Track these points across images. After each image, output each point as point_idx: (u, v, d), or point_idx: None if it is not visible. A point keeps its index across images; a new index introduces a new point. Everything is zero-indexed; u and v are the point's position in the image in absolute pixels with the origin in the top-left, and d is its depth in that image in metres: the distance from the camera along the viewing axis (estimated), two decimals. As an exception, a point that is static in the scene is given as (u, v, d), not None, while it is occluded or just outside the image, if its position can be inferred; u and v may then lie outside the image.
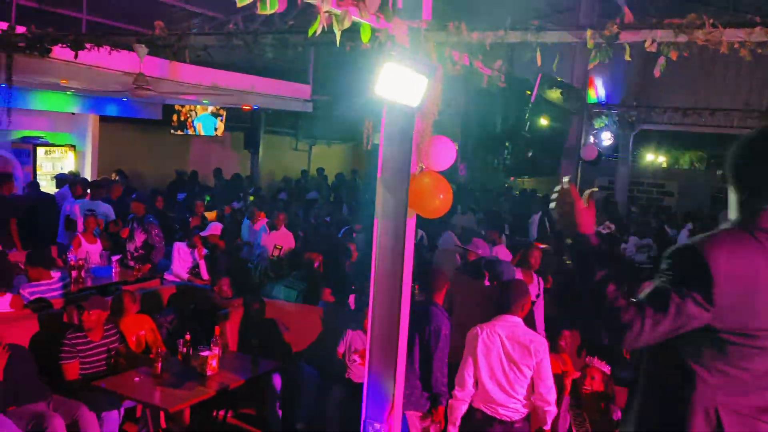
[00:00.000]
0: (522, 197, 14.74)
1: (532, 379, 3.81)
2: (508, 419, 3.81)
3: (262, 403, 5.21)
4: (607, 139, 7.76)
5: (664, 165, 17.78)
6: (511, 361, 3.77)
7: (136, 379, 4.48)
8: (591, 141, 7.99)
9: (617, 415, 4.13)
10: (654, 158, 17.42)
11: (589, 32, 3.11)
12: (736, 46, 2.84)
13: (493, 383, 3.79)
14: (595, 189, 2.21)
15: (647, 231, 9.50)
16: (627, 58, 3.06)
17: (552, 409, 3.81)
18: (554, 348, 4.94)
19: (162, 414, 4.57)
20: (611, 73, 10.11)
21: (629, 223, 9.87)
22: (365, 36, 3.22)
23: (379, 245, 3.76)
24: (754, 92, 9.61)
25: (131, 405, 4.70)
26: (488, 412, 3.82)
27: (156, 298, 6.11)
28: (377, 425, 3.72)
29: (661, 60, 3.02)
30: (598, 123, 8.12)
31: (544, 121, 5.72)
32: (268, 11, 2.58)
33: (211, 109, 13.69)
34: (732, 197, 1.90)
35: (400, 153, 3.69)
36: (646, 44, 2.98)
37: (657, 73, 3.06)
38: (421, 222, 8.86)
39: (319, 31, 2.99)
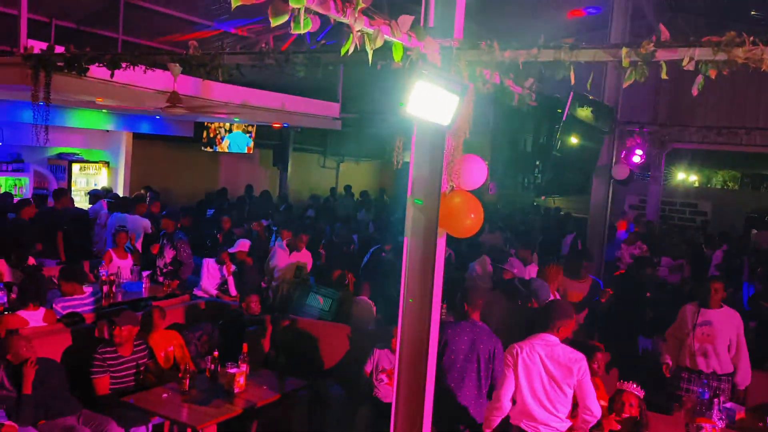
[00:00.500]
0: (547, 215, 14.62)
1: (573, 396, 3.80)
2: None
3: (290, 422, 5.18)
4: (638, 157, 7.64)
5: (696, 184, 17.47)
6: (553, 379, 3.79)
7: (164, 395, 4.50)
8: (622, 160, 7.87)
9: None
10: (686, 177, 17.13)
11: (624, 50, 3.06)
12: (778, 64, 2.77)
13: (536, 402, 3.80)
14: None
15: (680, 251, 9.30)
16: (663, 76, 3.00)
17: (592, 421, 3.83)
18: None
19: (189, 431, 4.57)
20: (642, 91, 10.00)
21: (662, 244, 9.69)
22: (397, 55, 3.22)
23: (409, 264, 3.72)
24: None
25: (159, 422, 4.71)
26: (529, 431, 3.82)
27: (185, 314, 6.15)
28: (406, 447, 3.66)
29: (699, 78, 2.96)
30: (629, 142, 8.01)
31: (574, 140, 5.66)
32: (302, 31, 2.59)
33: (241, 126, 13.86)
34: None
35: (431, 172, 3.66)
36: (684, 62, 2.92)
37: (695, 91, 3.00)
38: (449, 239, 8.82)
39: (351, 51, 2.99)
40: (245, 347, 4.95)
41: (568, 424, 3.85)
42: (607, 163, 7.24)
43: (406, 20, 3.24)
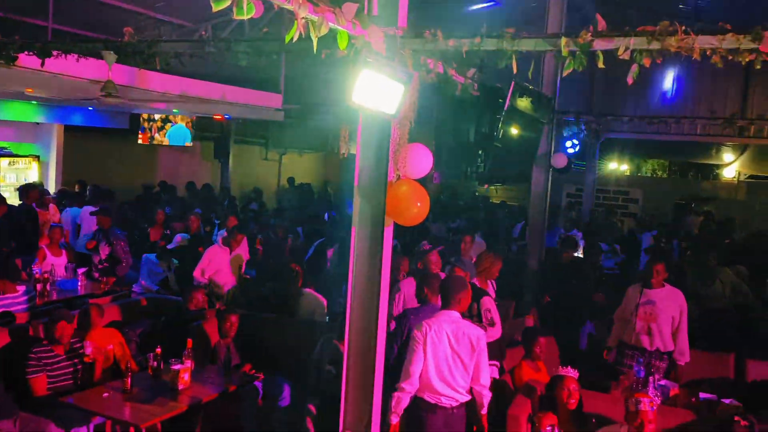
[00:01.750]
0: (489, 206, 14.94)
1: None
2: (449, 406, 4.01)
3: (237, 417, 5.11)
4: (572, 147, 7.88)
5: (628, 173, 18.12)
6: (457, 355, 3.99)
7: (105, 394, 4.36)
8: (560, 149, 8.11)
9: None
10: (618, 166, 17.74)
11: (563, 40, 3.14)
12: (708, 53, 2.89)
13: (439, 378, 3.98)
14: None
15: (613, 237, 9.67)
16: (600, 65, 3.10)
17: (488, 394, 4.07)
18: (529, 354, 4.99)
19: (132, 430, 4.45)
20: (578, 82, 10.29)
21: (600, 231, 10.04)
22: (342, 43, 3.20)
23: (357, 253, 3.72)
24: (717, 100, 9.91)
25: (101, 422, 4.56)
26: (431, 401, 4.01)
27: (124, 312, 5.97)
28: (355, 436, 3.67)
29: (634, 68, 3.06)
30: (565, 132, 8.24)
31: (515, 130, 5.76)
32: (245, 16, 2.54)
33: (179, 118, 13.50)
34: None
35: (377, 161, 3.66)
36: (620, 51, 3.02)
37: (630, 80, 3.10)
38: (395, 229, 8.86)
39: (296, 38, 2.96)
40: (189, 343, 4.84)
41: (468, 397, 4.04)
42: (546, 152, 7.42)
43: (350, 8, 3.22)
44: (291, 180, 15.47)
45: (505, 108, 5.09)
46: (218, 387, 4.71)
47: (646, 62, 3.01)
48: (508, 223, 12.15)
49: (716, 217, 12.77)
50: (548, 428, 3.98)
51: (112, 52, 4.72)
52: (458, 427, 4.03)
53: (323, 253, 8.03)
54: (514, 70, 3.37)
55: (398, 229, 5.69)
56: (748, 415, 3.77)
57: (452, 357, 3.98)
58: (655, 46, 2.96)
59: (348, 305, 3.75)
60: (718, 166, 15.00)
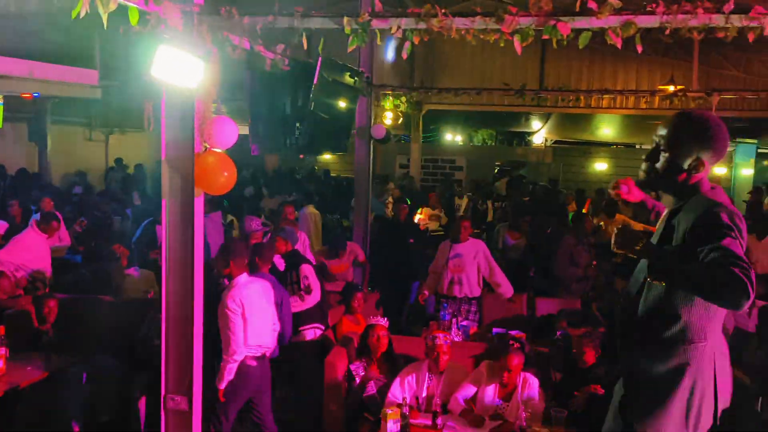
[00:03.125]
0: (327, 179, 15.37)
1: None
2: (262, 355, 4.50)
3: (61, 400, 5.02)
4: (393, 119, 8.43)
5: (462, 143, 19.44)
6: (264, 310, 4.52)
7: None
8: (381, 121, 8.61)
9: None
10: (453, 136, 18.97)
11: (345, 19, 3.48)
12: (463, 32, 3.38)
13: (257, 334, 4.39)
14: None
15: (437, 202, 10.52)
16: (378, 42, 3.48)
17: None
18: (349, 310, 5.42)
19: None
20: (398, 57, 10.89)
21: (421, 197, 10.85)
22: (133, 19, 3.28)
23: (168, 224, 3.85)
24: (519, 74, 11.06)
25: None
26: (249, 354, 4.40)
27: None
28: (177, 398, 3.84)
29: (407, 44, 3.48)
30: (386, 104, 8.75)
31: (333, 102, 6.10)
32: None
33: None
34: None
35: (183, 134, 3.80)
36: (392, 30, 3.42)
37: (404, 55, 3.52)
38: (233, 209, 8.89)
39: (83, 14, 3.00)
40: (2, 330, 4.66)
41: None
42: (367, 124, 7.86)
43: (142, -16, 3.31)
44: (118, 161, 14.74)
45: (315, 82, 5.39)
46: (38, 371, 4.62)
47: (416, 39, 3.44)
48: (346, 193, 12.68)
49: (528, 179, 14.24)
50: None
51: None
52: (268, 372, 4.55)
53: (152, 232, 7.91)
54: (304, 46, 3.67)
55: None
56: (522, 339, 4.49)
57: (263, 312, 4.45)
58: (422, 26, 3.39)
59: (163, 274, 3.87)
60: (530, 134, 16.62)
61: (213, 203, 7.47)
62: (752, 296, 1.99)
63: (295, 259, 5.51)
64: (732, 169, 16.75)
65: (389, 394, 4.35)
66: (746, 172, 16.43)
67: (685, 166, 2.33)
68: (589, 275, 7.00)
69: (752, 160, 16.34)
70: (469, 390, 4.35)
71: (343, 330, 5.22)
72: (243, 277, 4.42)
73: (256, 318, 4.33)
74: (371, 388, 4.56)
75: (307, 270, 5.39)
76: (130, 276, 6.25)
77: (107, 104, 11.59)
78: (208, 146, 3.88)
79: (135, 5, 3.24)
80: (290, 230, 5.85)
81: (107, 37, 9.34)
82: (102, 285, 5.96)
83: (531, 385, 4.33)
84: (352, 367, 4.62)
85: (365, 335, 4.72)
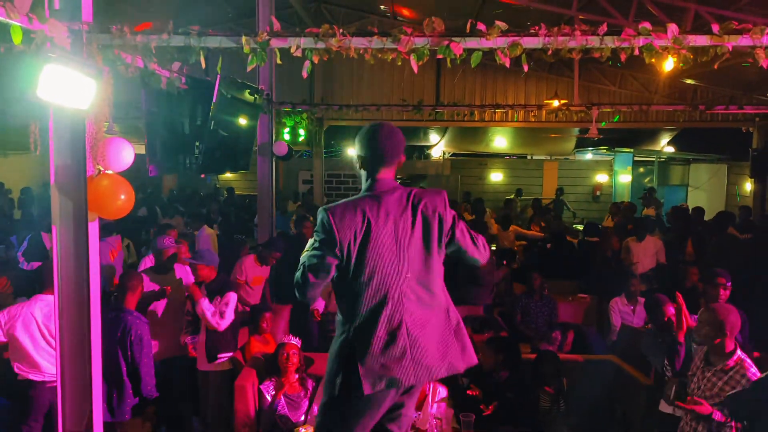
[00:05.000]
0: (231, 198, 15.06)
1: None
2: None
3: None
4: (290, 135, 8.41)
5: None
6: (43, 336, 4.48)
7: None
8: (283, 137, 8.57)
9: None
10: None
11: (244, 38, 3.48)
12: (361, 51, 3.46)
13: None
14: None
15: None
16: (278, 61, 3.50)
17: None
18: (256, 330, 5.34)
19: None
20: (298, 75, 10.91)
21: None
22: (17, 38, 3.12)
23: (61, 251, 3.65)
24: (407, 89, 11.45)
25: None
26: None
27: None
28: (75, 437, 3.63)
29: (307, 63, 3.52)
30: (287, 121, 8.73)
31: (230, 120, 6.02)
32: None
33: None
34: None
35: (74, 157, 3.63)
36: (292, 50, 3.45)
37: (305, 74, 3.56)
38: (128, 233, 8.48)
39: (-42, 32, 2.82)
40: None
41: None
42: (269, 141, 7.81)
43: (24, 2, 3.15)
44: (-1, 185, 13.71)
45: (214, 100, 5.31)
46: None
47: (315, 59, 3.49)
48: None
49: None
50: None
51: None
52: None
53: (39, 240, 7.47)
54: (203, 65, 3.62)
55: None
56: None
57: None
58: (320, 45, 3.45)
59: (55, 308, 3.66)
60: (428, 147, 17.07)
61: (107, 227, 7.14)
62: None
63: (223, 286, 5.27)
64: (612, 176, 18.02)
65: (313, 409, 4.38)
66: (624, 178, 17.73)
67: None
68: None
69: (629, 168, 17.65)
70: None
71: (252, 351, 5.12)
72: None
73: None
74: (282, 408, 4.51)
75: (228, 296, 5.16)
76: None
77: (-16, 125, 10.79)
78: (101, 169, 3.73)
79: (18, 23, 3.07)
80: (206, 252, 5.59)
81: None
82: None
83: (440, 394, 4.45)
84: (262, 387, 4.55)
85: (275, 353, 4.67)
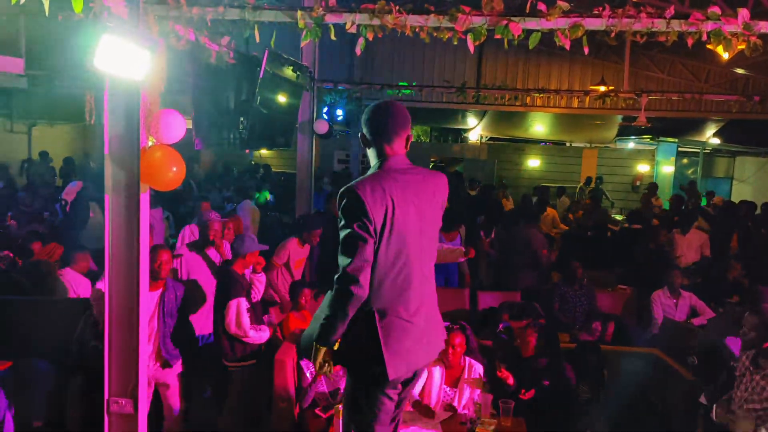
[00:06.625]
0: (268, 174, 15.15)
1: None
2: None
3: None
4: (337, 115, 8.37)
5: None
6: None
7: None
8: (323, 116, 8.54)
9: None
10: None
11: (299, 13, 3.44)
12: (417, 29, 3.40)
13: None
14: None
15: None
16: (332, 37, 3.47)
17: None
18: (296, 306, 5.38)
19: None
20: (338, 53, 10.87)
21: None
22: (77, 6, 3.14)
23: (112, 222, 3.70)
24: (448, 70, 11.24)
25: None
26: None
27: None
28: (121, 401, 3.71)
29: (361, 40, 3.48)
30: (328, 99, 8.70)
31: (275, 97, 6.02)
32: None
33: None
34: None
35: (128, 128, 3.65)
36: (347, 26, 3.41)
37: (358, 51, 3.52)
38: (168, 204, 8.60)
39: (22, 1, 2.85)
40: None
41: None
42: (309, 119, 7.81)
43: (84, -30, 3.16)
44: (43, 154, 14.02)
45: (261, 76, 5.30)
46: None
47: (370, 36, 3.44)
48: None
49: (465, 175, 14.47)
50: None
51: None
52: None
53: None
54: (257, 39, 3.60)
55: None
56: (464, 324, 4.60)
57: None
58: (376, 22, 3.40)
59: (106, 273, 3.73)
60: (466, 131, 16.90)
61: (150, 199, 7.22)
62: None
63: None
64: (654, 166, 17.62)
65: None
66: (667, 169, 17.32)
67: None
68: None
69: (673, 159, 17.23)
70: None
71: (290, 327, 5.16)
72: None
73: None
74: (322, 385, 4.54)
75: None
76: (63, 276, 5.96)
77: (33, 94, 11.02)
78: (154, 141, 3.76)
79: (78, -8, 3.09)
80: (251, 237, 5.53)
81: (33, 24, 8.91)
82: (34, 285, 5.67)
83: (476, 371, 4.45)
84: (302, 363, 4.58)
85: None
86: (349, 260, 2.46)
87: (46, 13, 3.01)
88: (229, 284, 4.86)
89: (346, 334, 2.57)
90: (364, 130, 2.70)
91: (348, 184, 2.54)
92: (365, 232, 2.45)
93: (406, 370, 2.64)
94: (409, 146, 2.73)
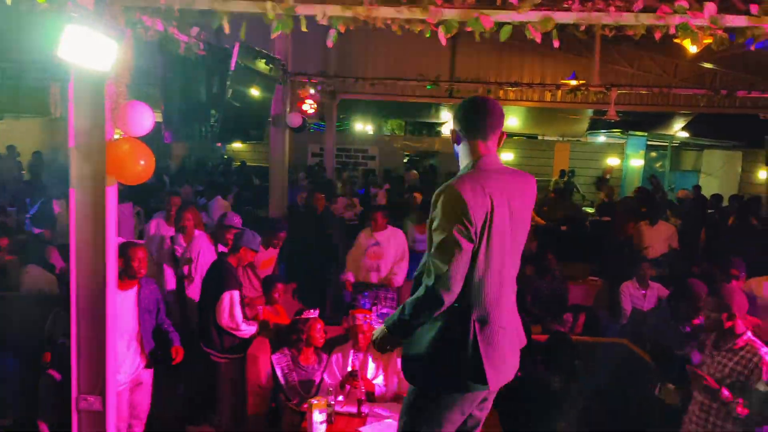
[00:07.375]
0: (242, 168, 15.03)
1: None
2: None
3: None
4: (308, 107, 8.32)
5: (372, 132, 19.54)
6: None
7: None
8: (296, 109, 8.47)
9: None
10: (363, 126, 19.02)
11: (269, 4, 3.39)
12: (388, 21, 3.38)
13: None
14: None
15: (353, 192, 10.52)
16: (303, 29, 3.43)
17: None
18: (269, 301, 5.34)
19: None
20: (313, 46, 10.76)
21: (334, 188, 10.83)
22: (40, -5, 3.05)
23: (78, 215, 3.63)
24: (431, 65, 11.20)
25: None
26: None
27: None
28: (90, 398, 3.65)
29: (332, 32, 3.45)
30: (301, 92, 8.62)
31: (246, 89, 5.96)
32: None
33: None
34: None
35: (93, 120, 3.58)
36: (318, 17, 3.37)
37: (330, 43, 3.49)
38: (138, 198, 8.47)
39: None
40: None
41: None
42: (283, 113, 7.74)
43: (47, -41, 3.08)
44: (10, 148, 13.69)
45: (232, 68, 5.24)
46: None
47: (341, 28, 3.41)
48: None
49: (440, 169, 14.52)
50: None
51: None
52: None
53: (49, 208, 7.47)
54: (226, 30, 3.54)
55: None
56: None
57: None
58: (348, 13, 3.37)
59: (72, 269, 3.65)
60: (440, 124, 16.94)
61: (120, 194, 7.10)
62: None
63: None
64: (624, 160, 17.88)
65: (325, 379, 4.40)
66: (636, 162, 17.59)
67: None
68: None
69: (642, 152, 17.50)
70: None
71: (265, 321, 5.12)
72: None
73: None
74: (293, 379, 4.52)
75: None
76: (29, 271, 5.84)
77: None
78: (121, 133, 3.68)
79: (41, -20, 3.01)
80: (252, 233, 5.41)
81: (-3, 14, 8.62)
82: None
83: None
84: (273, 358, 4.56)
85: (300, 329, 4.64)
86: (445, 267, 2.33)
87: (8, 2, 2.91)
88: (224, 276, 4.83)
89: (436, 339, 2.46)
90: (457, 127, 2.58)
91: (446, 183, 2.41)
92: (464, 237, 2.33)
93: (504, 379, 2.54)
94: (502, 144, 2.67)
